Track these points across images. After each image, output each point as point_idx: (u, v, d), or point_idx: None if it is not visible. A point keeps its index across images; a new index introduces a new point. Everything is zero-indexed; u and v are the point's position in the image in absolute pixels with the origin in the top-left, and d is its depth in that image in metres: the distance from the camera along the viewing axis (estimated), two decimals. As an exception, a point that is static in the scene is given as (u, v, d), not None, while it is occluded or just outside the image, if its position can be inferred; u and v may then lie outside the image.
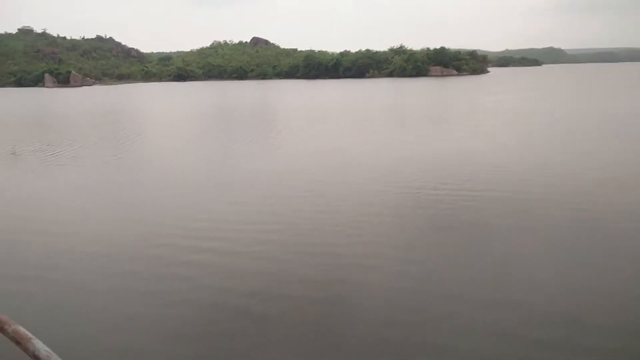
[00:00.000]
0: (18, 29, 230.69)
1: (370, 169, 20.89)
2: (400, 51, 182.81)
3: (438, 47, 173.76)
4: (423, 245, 12.09)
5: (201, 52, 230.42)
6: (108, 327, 8.76)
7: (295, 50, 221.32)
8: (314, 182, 18.94)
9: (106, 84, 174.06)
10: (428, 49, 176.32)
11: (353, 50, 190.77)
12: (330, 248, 11.99)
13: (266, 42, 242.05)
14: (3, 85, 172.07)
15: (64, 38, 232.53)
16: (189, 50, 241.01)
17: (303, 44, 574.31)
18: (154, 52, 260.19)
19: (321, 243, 12.37)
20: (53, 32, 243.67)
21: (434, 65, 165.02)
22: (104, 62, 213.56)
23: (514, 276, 10.15)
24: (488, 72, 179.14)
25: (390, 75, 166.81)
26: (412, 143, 28.02)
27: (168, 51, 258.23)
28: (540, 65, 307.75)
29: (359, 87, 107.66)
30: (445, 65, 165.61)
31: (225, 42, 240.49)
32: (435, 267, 10.74)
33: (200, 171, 22.57)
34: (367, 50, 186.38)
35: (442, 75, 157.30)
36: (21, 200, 18.29)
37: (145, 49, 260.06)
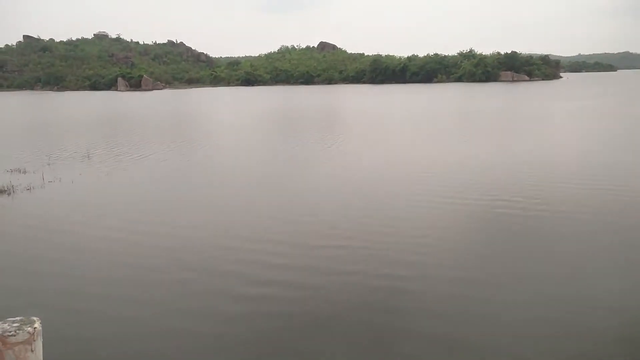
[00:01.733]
0: (94, 34, 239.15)
1: (438, 181, 18.11)
2: (469, 55, 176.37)
3: (509, 51, 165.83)
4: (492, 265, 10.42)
5: (269, 57, 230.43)
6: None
7: (362, 55, 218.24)
8: (374, 195, 16.36)
9: (176, 88, 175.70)
10: (498, 53, 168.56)
11: (421, 54, 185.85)
12: (396, 265, 10.48)
13: (333, 46, 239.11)
14: (78, 89, 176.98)
15: (137, 43, 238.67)
16: (257, 55, 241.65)
17: (370, 49, 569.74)
18: (223, 56, 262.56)
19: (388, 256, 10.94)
20: (127, 37, 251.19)
21: (505, 70, 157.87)
22: (175, 66, 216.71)
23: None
24: (561, 77, 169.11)
25: (459, 80, 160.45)
26: (485, 152, 24.45)
27: (236, 56, 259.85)
28: (615, 70, 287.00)
29: (427, 92, 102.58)
30: (517, 71, 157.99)
31: (293, 47, 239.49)
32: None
33: (265, 182, 19.46)
34: (436, 55, 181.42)
35: (513, 81, 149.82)
36: (88, 204, 16.25)
37: (214, 53, 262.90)
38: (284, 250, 11.31)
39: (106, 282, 9.82)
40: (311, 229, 12.86)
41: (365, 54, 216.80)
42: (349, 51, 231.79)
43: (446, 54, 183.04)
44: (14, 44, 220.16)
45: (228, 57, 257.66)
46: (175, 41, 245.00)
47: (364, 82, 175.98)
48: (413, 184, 17.66)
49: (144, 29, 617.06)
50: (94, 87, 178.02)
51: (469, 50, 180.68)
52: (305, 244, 11.67)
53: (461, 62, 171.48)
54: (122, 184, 19.42)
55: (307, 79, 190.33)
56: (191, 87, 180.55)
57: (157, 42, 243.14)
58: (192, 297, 9.11)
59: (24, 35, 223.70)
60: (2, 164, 23.40)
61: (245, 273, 10.12)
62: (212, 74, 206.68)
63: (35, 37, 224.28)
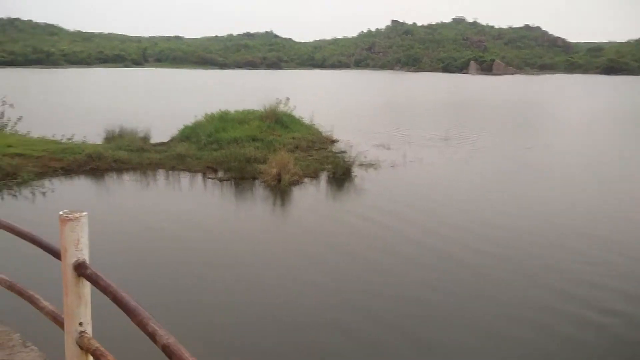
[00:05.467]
0: (452, 19, 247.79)
1: None
2: None
3: None
4: None
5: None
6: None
7: None
8: None
9: (526, 74, 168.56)
10: None
11: None
12: None
13: None
14: (432, 70, 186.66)
15: (492, 27, 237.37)
16: (625, 40, 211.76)
17: None
18: (582, 42, 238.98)
19: None
20: (483, 21, 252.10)
21: None
22: (528, 51, 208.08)
23: None
24: None
25: None
26: None
27: (598, 41, 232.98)
28: None
29: None
30: None
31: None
32: None
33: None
34: None
35: None
36: (443, 188, 15.84)
37: (573, 38, 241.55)
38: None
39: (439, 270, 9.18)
40: None
41: None
42: None
43: None
44: (383, 27, 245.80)
45: (588, 43, 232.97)
46: (531, 25, 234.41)
47: None
48: None
49: (502, 13, 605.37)
50: (446, 69, 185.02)
51: None
52: None
53: None
54: (477, 173, 18.79)
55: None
56: (542, 74, 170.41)
57: (513, 27, 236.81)
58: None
59: (392, 20, 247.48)
60: (370, 139, 25.59)
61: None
62: (567, 60, 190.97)
63: (401, 21, 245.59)
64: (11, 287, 3.25)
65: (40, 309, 3.04)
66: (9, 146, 16.94)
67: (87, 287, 2.64)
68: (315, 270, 9.55)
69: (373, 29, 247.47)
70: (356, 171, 17.75)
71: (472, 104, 52.16)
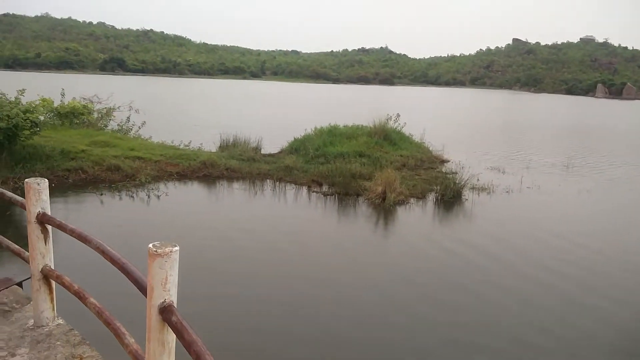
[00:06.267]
0: (580, 39, 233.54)
1: None
2: None
3: None
4: None
5: None
6: None
7: None
8: None
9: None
10: None
11: None
12: None
13: None
14: (554, 92, 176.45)
15: (625, 48, 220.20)
16: None
17: None
18: None
19: None
20: (615, 42, 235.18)
21: None
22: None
23: None
24: None
25: None
26: None
27: None
28: None
29: None
30: None
31: None
32: None
33: None
34: None
35: None
36: (559, 220, 14.21)
37: None
38: None
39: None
40: None
41: None
42: None
43: None
44: (503, 46, 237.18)
45: None
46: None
47: None
48: None
49: (637, 33, 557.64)
50: (570, 91, 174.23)
51: None
52: None
53: None
54: (600, 209, 16.79)
55: None
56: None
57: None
58: None
59: (513, 38, 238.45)
60: (484, 160, 24.27)
61: None
62: None
63: (523, 40, 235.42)
64: (99, 314, 3.05)
65: (125, 345, 2.80)
66: (131, 149, 17.99)
67: (171, 333, 2.32)
68: (387, 309, 8.70)
69: (492, 47, 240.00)
70: (467, 194, 16.74)
71: (602, 130, 48.14)
